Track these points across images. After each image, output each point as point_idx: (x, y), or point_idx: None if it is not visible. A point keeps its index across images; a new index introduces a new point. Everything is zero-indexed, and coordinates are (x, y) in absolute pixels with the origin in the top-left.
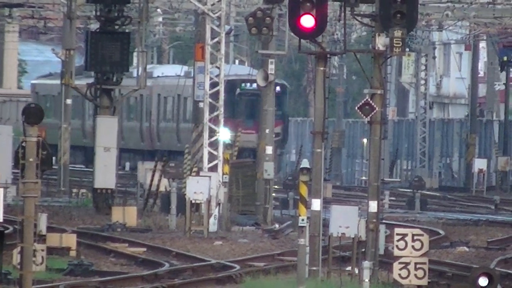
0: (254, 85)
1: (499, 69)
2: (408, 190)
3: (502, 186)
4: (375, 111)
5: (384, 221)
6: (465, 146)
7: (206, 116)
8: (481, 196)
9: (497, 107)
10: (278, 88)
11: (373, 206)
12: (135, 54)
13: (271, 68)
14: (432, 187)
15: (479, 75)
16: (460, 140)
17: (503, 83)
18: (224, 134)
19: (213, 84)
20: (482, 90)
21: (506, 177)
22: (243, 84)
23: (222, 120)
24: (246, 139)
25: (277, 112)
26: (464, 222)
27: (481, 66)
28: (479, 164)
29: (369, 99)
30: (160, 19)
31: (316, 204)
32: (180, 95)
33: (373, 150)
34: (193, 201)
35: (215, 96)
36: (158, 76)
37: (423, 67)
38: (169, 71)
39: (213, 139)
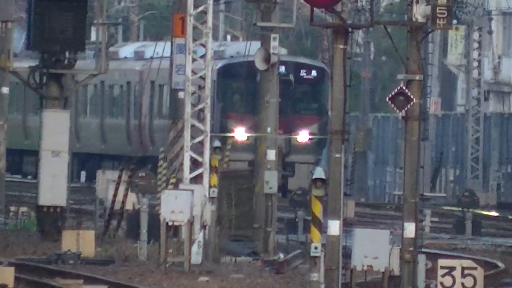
0: (283, 68)
1: None
2: (457, 209)
3: None
4: (412, 103)
5: (424, 249)
6: None
7: (188, 110)
8: None
9: None
10: (313, 73)
11: (409, 229)
12: (93, 28)
13: (274, 46)
14: (488, 205)
15: None
16: None
17: None
18: (240, 135)
19: (197, 68)
20: None
21: None
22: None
23: (208, 115)
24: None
25: (312, 106)
26: None
27: None
28: None
29: (404, 88)
30: None
31: (334, 227)
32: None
33: (410, 155)
34: (170, 223)
35: (199, 83)
36: (151, 58)
37: (475, 45)
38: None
39: (197, 140)
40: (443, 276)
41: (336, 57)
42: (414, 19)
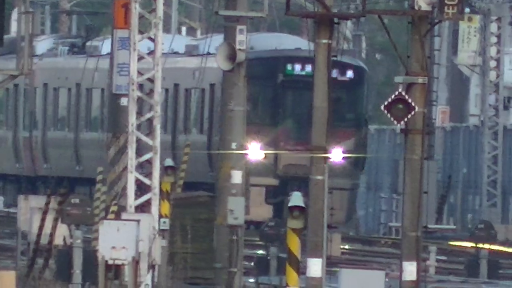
0: (309, 67)
1: None
2: (469, 245)
3: None
4: (413, 112)
5: None
6: None
7: (133, 120)
8: None
9: None
10: (350, 73)
11: (410, 270)
12: (14, 17)
13: (241, 40)
14: (507, 240)
15: None
16: None
17: None
18: (256, 153)
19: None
20: None
21: None
22: (289, 66)
23: (158, 126)
24: (294, 160)
25: (347, 116)
26: None
27: None
28: None
29: (403, 93)
30: None
31: (315, 268)
32: (80, 85)
33: (411, 177)
34: (110, 262)
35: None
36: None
37: (493, 40)
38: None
39: (144, 158)
40: None
41: (318, 54)
42: (416, 7)
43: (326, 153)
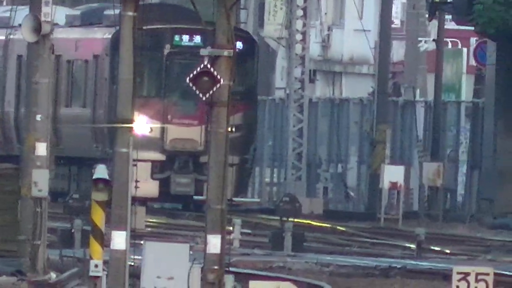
0: (198, 38)
1: (427, 16)
2: (273, 217)
3: (430, 212)
4: (218, 85)
5: (232, 268)
6: (369, 144)
7: None
8: (394, 228)
9: (422, 79)
10: (240, 44)
11: (214, 243)
12: None
13: (46, 12)
14: (312, 213)
15: (394, 26)
16: (360, 134)
17: (433, 40)
18: (142, 126)
19: None
20: (398, 51)
21: (435, 196)
22: (176, 37)
23: None
24: (182, 135)
25: (237, 88)
26: (366, 271)
27: (396, 10)
28: (392, 174)
29: (208, 65)
30: None
31: (119, 240)
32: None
33: (215, 150)
34: None
35: None
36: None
37: (300, 13)
38: None
39: None
40: None
41: (124, 26)
42: None
43: (131, 125)
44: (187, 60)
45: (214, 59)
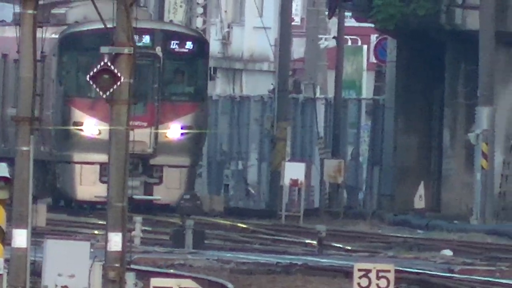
0: (147, 38)
1: (327, 13)
2: (175, 216)
3: (331, 209)
4: (119, 82)
5: (133, 266)
6: (270, 141)
7: None
8: (296, 225)
9: (323, 76)
10: (189, 44)
11: (115, 241)
12: None
13: None
14: (214, 210)
15: (294, 23)
16: (261, 131)
17: (334, 37)
18: (91, 128)
19: None
20: (298, 48)
21: (337, 193)
22: None
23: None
24: (131, 137)
25: (187, 89)
26: (267, 268)
27: (296, 8)
28: (293, 171)
29: (109, 63)
30: None
31: (20, 238)
32: None
33: (116, 148)
34: None
35: None
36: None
37: (200, 10)
38: None
39: None
40: None
41: (24, 25)
42: None
43: (31, 124)
44: (136, 60)
45: (114, 57)
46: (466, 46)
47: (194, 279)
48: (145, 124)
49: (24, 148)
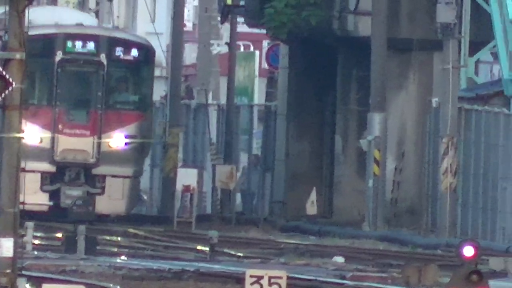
0: (92, 44)
1: (219, 19)
2: (67, 223)
3: (223, 215)
4: (11, 88)
5: (25, 272)
6: (162, 147)
7: None
8: (188, 231)
9: (215, 82)
10: (134, 52)
11: (6, 247)
12: None
13: None
14: (104, 215)
15: (186, 29)
16: (153, 137)
17: (226, 43)
18: (31, 135)
19: None
20: (191, 54)
21: (229, 200)
22: (69, 43)
23: None
24: (73, 145)
25: (131, 98)
26: (159, 274)
27: (188, 13)
28: (185, 177)
29: (0, 68)
30: None
31: None
32: None
33: (8, 153)
34: None
35: None
36: None
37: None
38: None
39: None
40: None
41: None
42: None
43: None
44: (80, 67)
45: (6, 62)
46: (358, 53)
47: (86, 285)
48: (87, 132)
49: None
